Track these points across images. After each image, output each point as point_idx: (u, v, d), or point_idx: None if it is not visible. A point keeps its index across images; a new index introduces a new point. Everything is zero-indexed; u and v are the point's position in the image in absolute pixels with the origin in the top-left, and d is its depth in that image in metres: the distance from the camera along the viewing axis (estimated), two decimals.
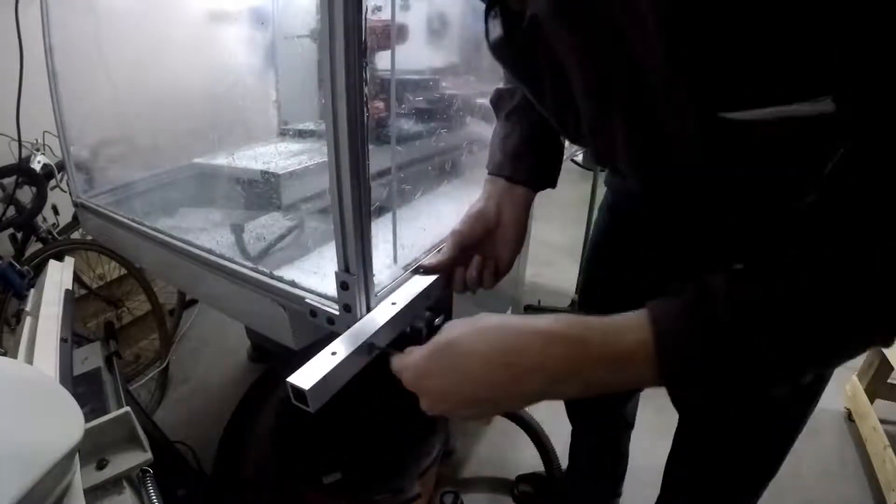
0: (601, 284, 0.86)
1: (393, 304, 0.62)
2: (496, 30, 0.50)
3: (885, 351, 1.41)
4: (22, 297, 1.02)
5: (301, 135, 1.34)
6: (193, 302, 2.04)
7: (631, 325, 0.37)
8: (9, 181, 1.47)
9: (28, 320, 0.75)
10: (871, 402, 1.50)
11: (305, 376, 0.46)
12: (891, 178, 0.32)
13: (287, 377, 0.46)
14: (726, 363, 0.35)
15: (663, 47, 0.35)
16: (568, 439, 1.20)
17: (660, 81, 0.38)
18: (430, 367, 0.40)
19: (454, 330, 0.41)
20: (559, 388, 0.38)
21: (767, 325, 0.34)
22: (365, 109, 0.50)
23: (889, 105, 0.31)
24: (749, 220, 0.45)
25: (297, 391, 0.45)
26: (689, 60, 0.34)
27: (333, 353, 0.50)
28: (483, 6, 0.51)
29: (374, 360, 0.55)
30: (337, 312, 0.63)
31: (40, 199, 1.48)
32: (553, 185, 0.67)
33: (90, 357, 0.84)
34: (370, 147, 0.54)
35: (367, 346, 0.53)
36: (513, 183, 0.64)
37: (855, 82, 0.32)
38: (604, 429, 1.11)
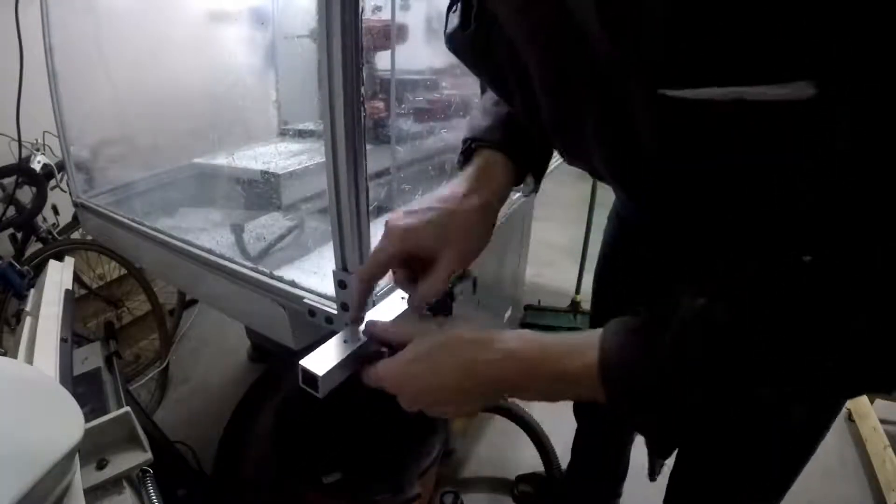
0: (611, 290, 0.85)
1: (403, 297, 0.62)
2: (453, 21, 0.48)
3: None
4: (22, 297, 1.02)
5: (301, 135, 1.34)
6: (193, 302, 2.04)
7: (582, 346, 0.38)
8: (9, 181, 1.47)
9: (28, 320, 0.75)
10: (871, 402, 1.50)
11: (318, 362, 0.46)
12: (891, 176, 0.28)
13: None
14: (674, 392, 0.35)
15: (594, 5, 0.31)
16: (568, 439, 1.20)
17: (602, 51, 0.33)
18: (411, 371, 0.45)
19: (428, 342, 0.45)
20: (517, 395, 0.44)
21: (720, 353, 0.33)
22: (362, 109, 0.50)
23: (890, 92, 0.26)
24: (748, 218, 0.41)
25: (309, 376, 0.46)
26: (620, 20, 0.30)
27: (346, 341, 0.50)
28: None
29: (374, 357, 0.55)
30: (335, 311, 0.63)
31: (40, 199, 1.48)
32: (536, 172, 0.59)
33: (90, 357, 0.84)
34: (370, 147, 0.54)
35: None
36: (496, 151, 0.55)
37: (847, 63, 0.26)
38: (608, 428, 1.11)
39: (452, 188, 0.51)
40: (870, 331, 0.30)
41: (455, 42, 0.49)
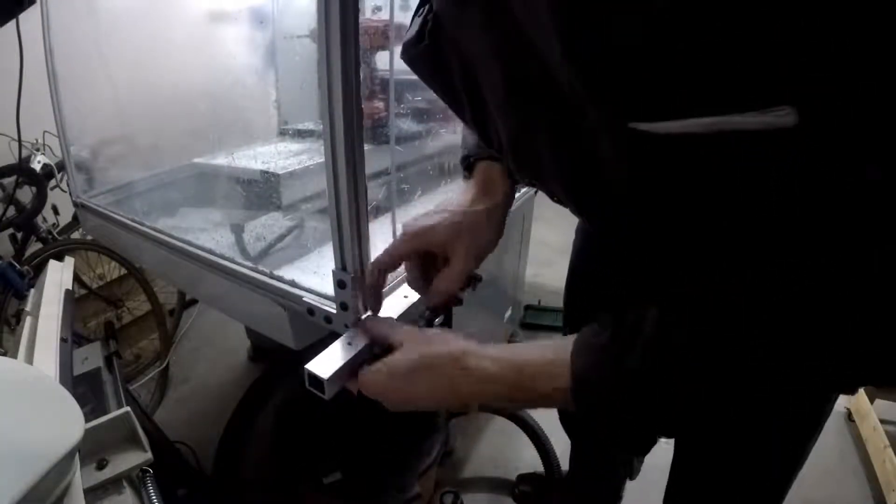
0: (580, 302, 0.88)
1: (405, 297, 0.63)
2: (412, 30, 0.47)
3: None
4: (22, 297, 1.02)
5: (301, 135, 1.34)
6: (193, 302, 2.04)
7: (556, 366, 0.40)
8: (9, 181, 1.47)
9: (28, 320, 0.75)
10: (871, 402, 1.50)
11: (323, 365, 0.47)
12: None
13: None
14: (647, 408, 0.37)
15: (556, 34, 0.29)
16: (568, 439, 1.20)
17: (566, 83, 0.32)
18: (393, 384, 0.47)
19: (409, 360, 0.46)
20: (498, 405, 0.46)
21: (685, 374, 0.35)
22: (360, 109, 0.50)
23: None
24: (724, 231, 0.36)
25: (315, 379, 0.46)
26: (585, 53, 0.28)
27: (349, 343, 0.50)
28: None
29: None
30: (334, 311, 0.63)
31: (40, 199, 1.48)
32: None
33: (90, 357, 0.84)
34: (369, 147, 0.54)
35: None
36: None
37: (832, 85, 0.24)
38: (602, 445, 1.10)
39: (460, 196, 0.56)
40: (862, 333, 0.30)
41: (409, 54, 0.49)
